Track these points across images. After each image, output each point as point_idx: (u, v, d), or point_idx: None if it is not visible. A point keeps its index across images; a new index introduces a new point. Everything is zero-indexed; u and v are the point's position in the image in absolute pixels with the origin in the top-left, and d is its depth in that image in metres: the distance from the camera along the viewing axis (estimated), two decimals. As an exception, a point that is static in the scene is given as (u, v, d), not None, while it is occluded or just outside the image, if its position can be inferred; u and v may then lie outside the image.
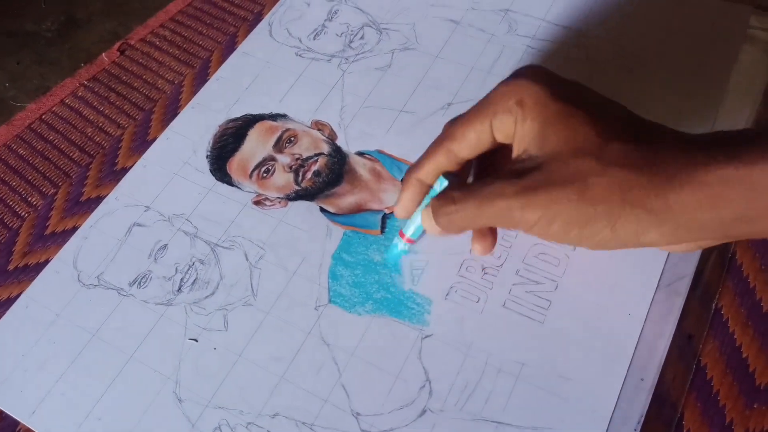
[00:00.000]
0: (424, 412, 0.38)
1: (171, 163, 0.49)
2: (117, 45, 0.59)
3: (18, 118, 0.55)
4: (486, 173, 0.39)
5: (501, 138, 0.36)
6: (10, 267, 0.47)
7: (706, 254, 0.41)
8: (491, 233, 0.39)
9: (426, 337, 0.40)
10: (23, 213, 0.49)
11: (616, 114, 0.34)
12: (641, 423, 0.36)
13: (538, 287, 0.41)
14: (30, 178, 0.51)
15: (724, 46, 0.50)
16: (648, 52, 0.51)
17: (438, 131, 0.43)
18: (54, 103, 0.55)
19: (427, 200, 0.39)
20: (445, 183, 0.37)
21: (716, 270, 0.41)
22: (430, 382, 0.39)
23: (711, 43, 0.51)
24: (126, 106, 0.55)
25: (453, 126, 0.38)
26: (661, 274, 0.41)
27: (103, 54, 0.58)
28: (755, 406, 0.37)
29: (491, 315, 0.41)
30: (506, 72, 0.50)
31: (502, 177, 0.34)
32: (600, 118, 0.33)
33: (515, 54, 0.52)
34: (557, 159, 0.33)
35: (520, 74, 0.36)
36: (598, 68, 0.50)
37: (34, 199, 0.50)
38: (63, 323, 0.43)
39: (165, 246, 0.45)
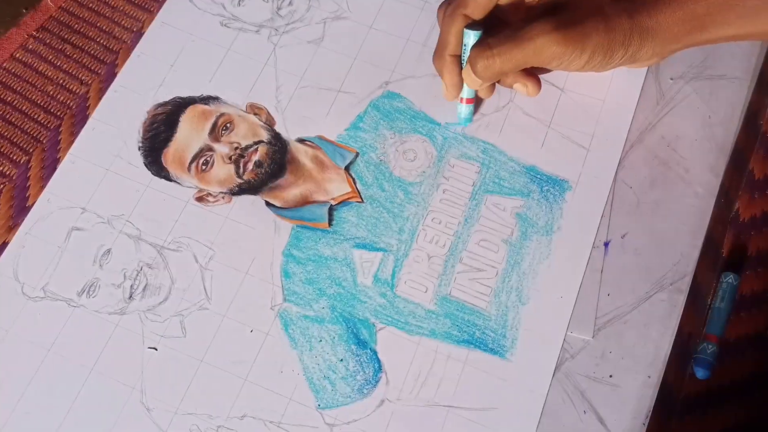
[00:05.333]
0: (382, 402, 0.41)
1: (101, 158, 0.47)
2: None
3: None
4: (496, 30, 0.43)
5: None
6: None
7: (701, 254, 0.44)
8: (532, 73, 0.45)
9: (380, 329, 0.43)
10: None
11: None
12: (648, 417, 0.40)
13: (481, 274, 0.44)
14: None
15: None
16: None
17: (377, 114, 0.48)
18: (3, 58, 0.51)
19: (464, 63, 0.44)
20: (478, 33, 0.42)
21: (708, 269, 0.44)
22: (386, 373, 0.42)
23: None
24: (85, 59, 0.51)
25: None
26: (591, 252, 0.44)
27: None
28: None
29: (439, 304, 0.43)
30: (442, 45, 0.50)
31: (531, 20, 0.40)
32: None
33: (450, 24, 0.51)
34: None
35: None
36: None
37: (6, 169, 0.47)
38: (14, 340, 0.43)
39: (109, 251, 0.45)
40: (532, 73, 0.46)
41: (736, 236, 0.45)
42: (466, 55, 0.43)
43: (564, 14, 0.39)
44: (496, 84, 0.47)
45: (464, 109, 0.47)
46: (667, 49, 0.41)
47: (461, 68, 0.45)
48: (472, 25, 0.43)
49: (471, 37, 0.43)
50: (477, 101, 0.48)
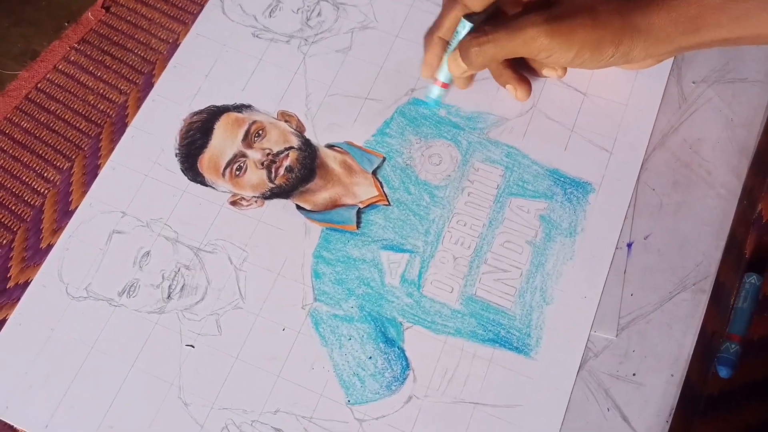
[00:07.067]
0: (410, 398, 0.43)
1: (140, 164, 0.49)
2: (100, 1, 0.56)
3: (13, 88, 0.53)
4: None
5: None
6: (42, 245, 0.48)
7: (724, 255, 0.45)
8: (526, 79, 0.47)
9: (407, 328, 0.44)
10: (42, 189, 0.50)
11: None
12: (672, 415, 0.41)
13: (505, 275, 0.45)
14: (41, 152, 0.51)
15: None
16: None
17: (403, 120, 0.50)
18: (47, 69, 0.54)
19: (451, 49, 0.45)
20: (469, 25, 0.44)
21: (731, 269, 0.45)
22: (413, 371, 0.43)
23: None
24: (124, 70, 0.53)
25: None
26: (615, 253, 0.45)
27: (89, 12, 0.56)
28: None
29: (464, 304, 0.45)
30: (466, 52, 0.51)
31: (527, 12, 0.41)
32: None
33: (474, 31, 0.52)
34: None
35: None
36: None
37: (50, 175, 0.50)
38: (59, 337, 0.45)
39: (148, 253, 0.47)
40: (525, 79, 0.47)
41: (759, 237, 0.46)
42: (454, 42, 0.45)
43: (555, 9, 0.41)
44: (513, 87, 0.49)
45: (436, 90, 0.48)
46: (661, 50, 0.42)
47: (444, 52, 0.47)
48: (470, 16, 0.45)
49: (465, 26, 0.44)
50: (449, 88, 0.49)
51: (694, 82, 0.50)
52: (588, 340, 0.43)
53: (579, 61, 0.42)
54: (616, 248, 0.45)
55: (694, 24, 0.40)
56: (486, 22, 0.44)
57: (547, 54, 0.41)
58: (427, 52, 0.48)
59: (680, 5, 0.40)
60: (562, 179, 0.47)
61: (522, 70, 0.48)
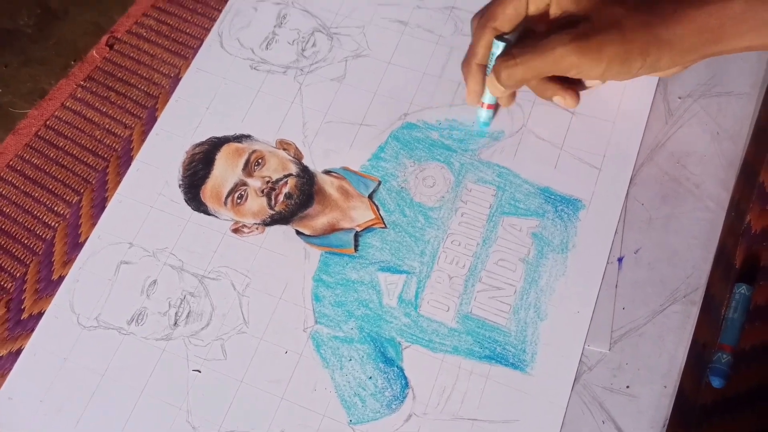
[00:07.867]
0: (410, 416, 0.44)
1: (145, 196, 0.51)
2: (104, 39, 0.58)
3: (22, 126, 0.56)
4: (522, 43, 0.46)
5: (533, 9, 0.45)
6: (54, 277, 0.50)
7: (714, 266, 0.46)
8: (571, 86, 0.47)
9: (406, 347, 0.46)
10: (53, 223, 0.52)
11: None
12: (666, 426, 0.42)
13: (500, 293, 0.46)
14: (51, 187, 0.53)
15: None
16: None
17: (397, 144, 0.51)
18: (55, 107, 0.56)
19: (489, 72, 0.47)
20: (503, 44, 0.46)
21: (721, 280, 0.46)
22: (413, 389, 0.45)
23: None
24: (128, 105, 0.56)
25: (490, 9, 0.46)
26: (606, 268, 0.46)
27: (93, 50, 0.58)
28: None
29: (461, 322, 0.46)
30: (455, 76, 0.53)
31: (553, 32, 0.42)
32: None
33: (462, 56, 0.54)
34: (595, 11, 0.42)
35: None
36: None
37: (60, 208, 0.52)
38: (72, 367, 0.47)
39: (155, 282, 0.49)
40: (571, 87, 0.48)
41: (748, 248, 0.46)
42: (491, 64, 0.46)
43: (583, 26, 0.42)
44: (517, 107, 0.51)
45: (484, 113, 0.50)
46: (686, 59, 0.43)
47: (485, 77, 0.48)
48: (501, 36, 0.46)
49: (499, 47, 0.46)
50: (497, 108, 0.51)
51: (680, 97, 0.51)
52: (582, 354, 0.44)
53: (609, 74, 0.43)
54: (607, 263, 0.46)
55: (717, 34, 0.41)
56: (516, 42, 0.45)
57: (578, 71, 0.43)
58: (469, 81, 0.49)
59: (701, 16, 0.41)
60: (552, 197, 0.49)
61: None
